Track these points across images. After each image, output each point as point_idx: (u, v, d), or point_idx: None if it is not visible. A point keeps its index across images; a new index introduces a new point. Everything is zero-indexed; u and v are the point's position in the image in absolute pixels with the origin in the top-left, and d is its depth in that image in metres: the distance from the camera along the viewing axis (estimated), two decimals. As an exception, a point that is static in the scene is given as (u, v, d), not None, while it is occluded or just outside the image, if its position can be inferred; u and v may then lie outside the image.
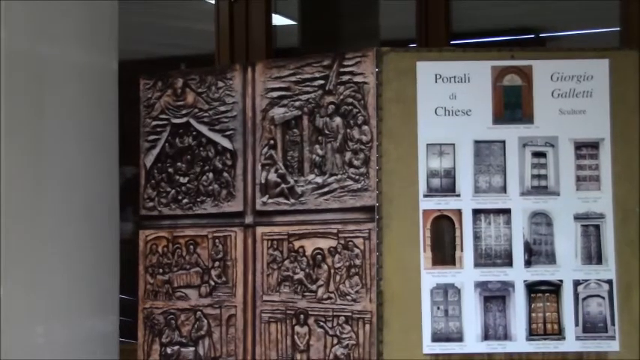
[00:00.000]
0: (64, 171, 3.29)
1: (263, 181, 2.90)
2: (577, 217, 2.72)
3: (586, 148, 2.74)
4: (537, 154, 2.74)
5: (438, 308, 2.70)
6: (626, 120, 2.73)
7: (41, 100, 3.22)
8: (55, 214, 3.25)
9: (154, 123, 3.09)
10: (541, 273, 2.71)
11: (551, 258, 2.71)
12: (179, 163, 3.05)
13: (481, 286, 2.71)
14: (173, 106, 3.07)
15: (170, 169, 3.06)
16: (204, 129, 3.01)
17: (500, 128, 2.74)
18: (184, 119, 3.04)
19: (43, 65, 3.24)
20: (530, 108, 2.75)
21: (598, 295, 2.70)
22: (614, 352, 2.68)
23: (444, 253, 2.72)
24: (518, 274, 2.71)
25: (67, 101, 3.31)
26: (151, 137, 3.10)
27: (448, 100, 2.75)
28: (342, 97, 2.80)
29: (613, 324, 2.69)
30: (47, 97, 3.24)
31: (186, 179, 3.03)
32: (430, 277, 2.71)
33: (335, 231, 2.78)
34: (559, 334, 2.69)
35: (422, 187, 2.73)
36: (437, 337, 2.69)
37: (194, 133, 3.02)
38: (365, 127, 2.76)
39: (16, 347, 3.08)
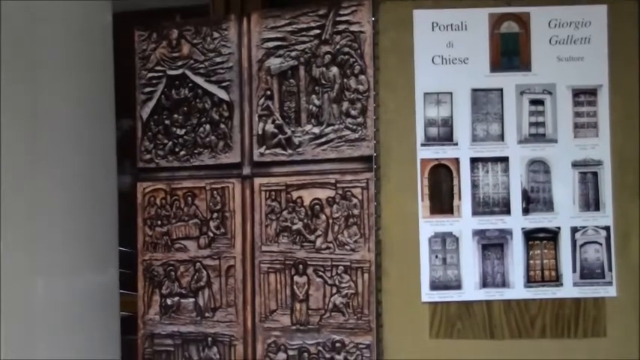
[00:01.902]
0: (61, 124, 3.28)
1: (260, 132, 2.90)
2: (575, 165, 2.72)
3: (584, 95, 2.73)
4: (535, 102, 2.73)
5: (437, 257, 2.71)
6: (625, 66, 2.72)
7: (36, 52, 3.20)
8: (53, 168, 3.25)
9: (150, 75, 3.07)
10: (539, 220, 2.71)
11: (548, 205, 2.72)
12: (176, 115, 3.03)
13: (479, 234, 2.71)
14: (168, 58, 3.04)
15: (167, 121, 3.05)
16: (200, 80, 2.99)
17: (497, 76, 2.73)
18: (180, 71, 3.02)
19: (37, 18, 3.21)
20: (527, 55, 2.73)
21: (595, 242, 2.71)
22: (611, 298, 2.70)
23: (442, 201, 2.73)
24: (516, 222, 2.71)
25: (61, 54, 3.29)
26: (147, 89, 3.08)
27: (445, 49, 2.74)
28: (338, 46, 2.78)
29: (610, 270, 2.70)
30: (42, 50, 3.22)
31: (183, 131, 3.02)
32: (428, 225, 2.72)
33: (333, 181, 2.78)
34: (556, 280, 2.71)
35: (419, 136, 2.73)
36: (435, 285, 2.71)
37: (190, 84, 3.01)
38: (362, 77, 2.74)
39: (17, 300, 3.10)
